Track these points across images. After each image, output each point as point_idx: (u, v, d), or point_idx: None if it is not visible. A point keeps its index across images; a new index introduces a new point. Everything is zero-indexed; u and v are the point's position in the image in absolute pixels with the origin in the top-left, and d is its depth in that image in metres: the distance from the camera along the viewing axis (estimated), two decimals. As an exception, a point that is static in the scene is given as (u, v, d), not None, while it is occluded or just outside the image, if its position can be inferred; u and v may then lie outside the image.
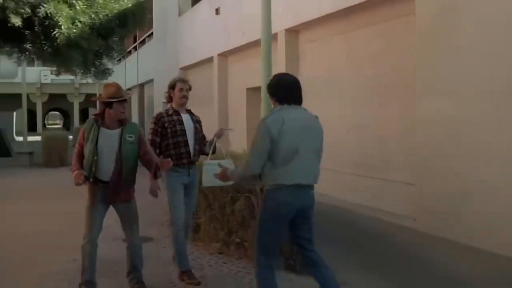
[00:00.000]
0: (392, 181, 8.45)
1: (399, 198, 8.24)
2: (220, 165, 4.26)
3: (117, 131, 4.59)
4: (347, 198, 9.40)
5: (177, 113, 5.30)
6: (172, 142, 5.14)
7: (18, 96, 34.08)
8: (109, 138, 4.56)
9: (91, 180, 4.55)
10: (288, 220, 3.79)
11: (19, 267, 5.71)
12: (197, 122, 5.43)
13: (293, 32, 11.29)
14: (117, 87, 4.66)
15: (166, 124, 5.18)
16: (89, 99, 45.58)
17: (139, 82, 27.35)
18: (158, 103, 22.64)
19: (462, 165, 6.67)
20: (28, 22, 8.90)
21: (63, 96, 48.70)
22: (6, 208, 9.52)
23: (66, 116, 57.97)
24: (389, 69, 8.58)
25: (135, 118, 29.69)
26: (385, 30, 8.71)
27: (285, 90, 3.87)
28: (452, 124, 6.86)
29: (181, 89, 5.40)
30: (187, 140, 5.19)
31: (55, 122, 75.36)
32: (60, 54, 9.29)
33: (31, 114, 46.57)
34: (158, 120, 5.22)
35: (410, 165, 7.97)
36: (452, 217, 6.79)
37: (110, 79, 26.52)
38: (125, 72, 29.58)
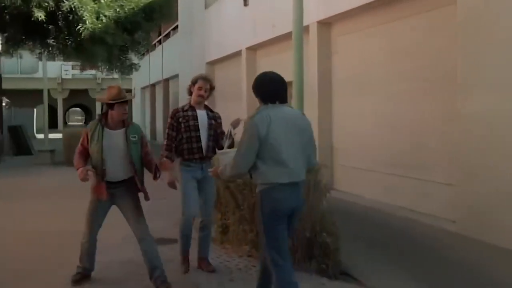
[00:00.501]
0: (431, 181, 8.43)
1: (438, 199, 8.21)
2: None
3: (120, 132, 5.03)
4: (382, 199, 9.40)
5: (192, 109, 5.74)
6: (185, 136, 5.59)
7: (38, 92, 34.70)
8: (113, 139, 4.99)
9: (104, 180, 4.97)
10: (285, 218, 3.94)
11: (47, 268, 5.90)
12: (213, 118, 5.83)
13: (325, 25, 11.32)
14: (119, 89, 5.09)
15: (180, 119, 5.64)
16: (111, 95, 46.20)
17: (164, 77, 27.64)
18: (183, 99, 22.85)
19: (505, 164, 6.63)
20: (51, 16, 9.10)
21: (84, 91, 49.38)
22: (28, 207, 9.78)
23: (88, 112, 58.77)
24: (427, 62, 8.56)
25: (159, 115, 29.99)
26: (423, 22, 8.69)
27: (269, 89, 4.07)
28: (496, 121, 6.82)
29: (200, 88, 5.80)
30: (199, 136, 5.60)
31: (76, 118, 76.47)
32: (84, 49, 9.47)
33: (52, 110, 47.35)
34: (174, 115, 5.71)
35: (450, 165, 7.94)
36: (494, 219, 6.75)
37: (135, 75, 26.79)
38: (149, 67, 29.91)
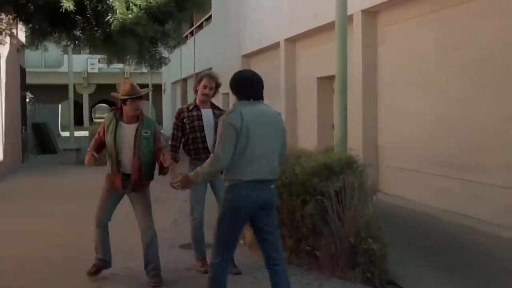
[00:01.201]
0: (487, 184, 8.32)
1: (493, 203, 8.10)
2: None
3: (133, 126, 5.53)
4: (433, 203, 9.32)
5: (197, 108, 6.05)
6: (191, 137, 5.95)
7: (63, 87, 35.31)
8: (126, 132, 5.52)
9: (119, 170, 5.50)
10: (248, 216, 4.33)
11: (73, 271, 6.05)
12: (220, 117, 5.67)
13: (371, 14, 11.27)
14: (132, 85, 5.61)
15: (185, 120, 6.00)
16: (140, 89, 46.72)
17: (196, 71, 27.83)
18: (218, 95, 23.00)
19: None
20: (79, 6, 9.27)
21: (111, 86, 49.80)
22: (53, 208, 10.02)
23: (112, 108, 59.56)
24: (484, 54, 8.45)
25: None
26: (481, 9, 8.58)
27: (244, 86, 4.44)
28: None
29: (205, 86, 6.08)
30: (204, 136, 5.93)
31: (103, 115, 77.56)
32: (113, 41, 9.59)
33: (77, 106, 48.16)
34: (179, 115, 6.06)
35: (508, 166, 7.83)
36: (558, 227, 6.64)
37: (165, 69, 27.00)
38: (181, 60, 30.18)
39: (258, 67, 18.96)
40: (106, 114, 5.65)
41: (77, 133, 24.86)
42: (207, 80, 6.11)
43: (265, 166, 4.27)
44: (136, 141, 5.49)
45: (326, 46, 12.69)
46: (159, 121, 44.01)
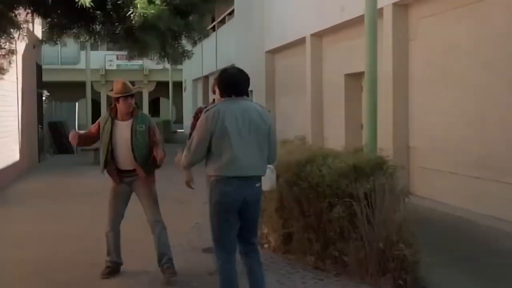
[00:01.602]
0: (526, 188, 8.24)
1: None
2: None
3: (128, 123, 5.94)
4: (468, 207, 9.25)
5: None
6: None
7: (80, 85, 35.75)
8: (121, 130, 5.94)
9: (116, 167, 5.95)
10: (235, 212, 4.54)
11: (97, 275, 6.11)
12: None
13: (402, 7, 11.21)
14: (123, 83, 6.03)
15: None
16: (160, 87, 46.92)
17: (218, 68, 27.92)
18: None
19: None
20: (99, 0, 9.35)
21: (130, 84, 50.43)
22: (70, 209, 10.12)
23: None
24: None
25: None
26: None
27: (227, 83, 4.71)
28: None
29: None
30: None
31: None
32: (133, 37, 9.62)
33: (95, 105, 48.52)
34: (196, 115, 6.39)
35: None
36: None
37: (186, 65, 27.01)
38: (202, 57, 30.29)
39: (282, 63, 18.98)
40: (103, 115, 6.21)
41: (95, 133, 25.16)
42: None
43: (248, 163, 4.50)
44: (132, 136, 5.91)
45: (354, 41, 12.65)
46: (179, 119, 44.14)
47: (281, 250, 6.77)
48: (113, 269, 6.17)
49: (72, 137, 5.99)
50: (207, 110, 4.61)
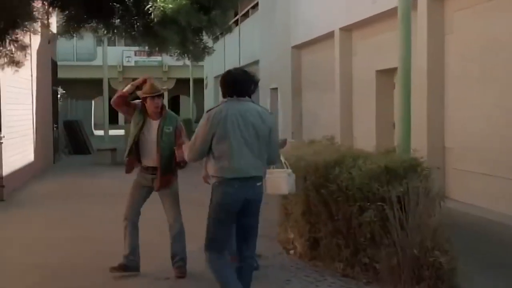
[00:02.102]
0: None
1: None
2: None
3: (156, 122, 6.32)
4: (508, 212, 9.16)
5: None
6: None
7: (97, 82, 35.97)
8: (150, 128, 6.33)
9: (140, 162, 6.37)
10: (235, 214, 4.89)
11: (114, 280, 6.16)
12: None
13: (438, -2, 11.15)
14: (151, 84, 6.44)
15: None
16: (180, 84, 47.12)
17: (241, 64, 27.94)
18: (265, 90, 23.05)
19: None
20: (118, -7, 9.44)
21: (149, 81, 50.73)
22: (90, 212, 10.21)
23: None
24: None
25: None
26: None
27: (229, 84, 5.03)
28: None
29: None
30: None
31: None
32: (153, 32, 9.66)
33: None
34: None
35: None
36: None
37: (207, 62, 27.05)
38: (224, 52, 30.38)
39: (309, 59, 18.95)
40: (138, 104, 6.53)
41: (112, 132, 25.25)
42: None
43: (248, 164, 4.85)
44: (158, 137, 6.29)
45: (386, 35, 12.60)
46: (201, 118, 44.30)
47: (307, 256, 6.77)
48: (125, 266, 6.36)
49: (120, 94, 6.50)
50: (209, 110, 4.98)
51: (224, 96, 5.05)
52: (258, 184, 4.95)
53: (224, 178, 4.83)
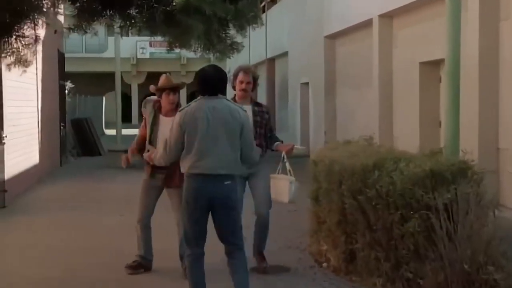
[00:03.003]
0: None
1: None
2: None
3: (171, 119, 6.29)
4: None
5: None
6: None
7: (108, 76, 36.06)
8: (164, 125, 6.67)
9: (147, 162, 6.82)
10: (202, 209, 5.51)
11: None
12: (260, 114, 7.20)
13: (490, -19, 11.04)
14: (167, 78, 7.01)
15: None
16: (199, 79, 47.26)
17: (268, 57, 27.98)
18: (295, 85, 23.04)
19: None
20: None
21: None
22: (101, 221, 10.26)
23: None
24: None
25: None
26: None
27: (201, 82, 5.66)
28: None
29: (241, 82, 7.18)
30: None
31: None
32: (175, 22, 9.64)
33: (125, 99, 49.07)
34: None
35: None
36: None
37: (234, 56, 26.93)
38: (249, 44, 30.39)
39: (344, 50, 18.90)
40: (148, 104, 7.17)
41: (125, 131, 25.34)
42: (243, 75, 7.18)
43: (215, 161, 5.45)
44: None
45: (432, 23, 12.52)
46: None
47: (343, 270, 6.75)
48: (140, 264, 7.12)
49: (123, 162, 7.23)
50: (182, 109, 5.65)
51: (200, 94, 5.66)
52: (227, 182, 5.50)
53: (190, 174, 5.51)
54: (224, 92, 5.71)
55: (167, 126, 6.31)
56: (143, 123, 7.23)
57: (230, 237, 5.61)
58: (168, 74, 7.12)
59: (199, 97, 5.64)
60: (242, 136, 5.57)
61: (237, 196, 5.76)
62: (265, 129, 7.23)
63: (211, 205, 5.49)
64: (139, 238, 7.17)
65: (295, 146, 7.26)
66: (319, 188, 7.43)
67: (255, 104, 7.37)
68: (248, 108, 6.89)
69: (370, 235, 6.21)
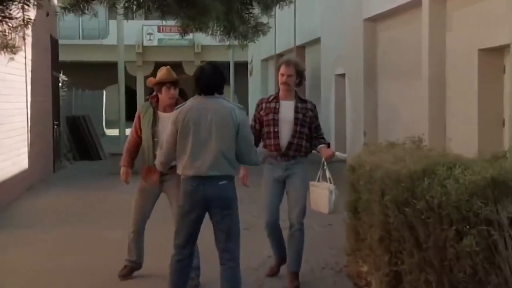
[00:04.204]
0: None
1: None
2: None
3: (170, 115, 6.70)
4: None
5: (277, 100, 7.82)
6: (266, 131, 7.76)
7: (109, 66, 36.25)
8: (164, 123, 7.08)
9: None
10: (198, 212, 6.29)
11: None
12: (302, 111, 7.73)
13: None
14: (168, 70, 7.48)
15: (262, 112, 7.82)
16: (216, 70, 47.32)
17: (298, 44, 27.98)
18: (328, 77, 23.02)
19: None
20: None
21: (177, 66, 50.82)
22: (100, 236, 10.31)
23: (182, 96, 60.58)
24: None
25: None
26: None
27: (198, 80, 6.37)
28: None
29: (282, 75, 7.70)
30: (277, 131, 7.68)
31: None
32: (189, 1, 9.63)
33: (129, 93, 49.15)
34: (258, 105, 7.94)
35: None
36: None
37: (253, 44, 26.86)
38: (275, 28, 30.41)
39: (388, 35, 18.85)
40: (142, 104, 7.89)
41: (129, 131, 25.43)
42: (285, 67, 7.67)
43: (206, 162, 6.17)
44: None
45: (495, 1, 12.44)
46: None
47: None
48: (132, 269, 7.93)
49: (123, 177, 7.90)
50: (177, 107, 6.40)
51: (196, 93, 6.38)
52: (221, 183, 6.23)
53: (185, 176, 6.27)
54: (221, 92, 6.42)
55: (167, 123, 6.71)
56: (135, 124, 7.72)
57: (224, 242, 6.33)
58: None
59: (195, 96, 6.37)
60: (239, 136, 6.26)
61: (234, 197, 6.41)
62: (309, 128, 7.76)
63: (207, 207, 6.26)
64: (131, 243, 7.89)
65: (336, 153, 7.56)
66: (358, 198, 7.43)
67: (299, 100, 7.84)
68: (290, 104, 7.70)
69: (419, 255, 6.17)
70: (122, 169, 7.96)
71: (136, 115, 7.80)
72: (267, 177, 7.77)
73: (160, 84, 7.47)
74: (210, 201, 6.23)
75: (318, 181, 7.63)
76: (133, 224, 7.88)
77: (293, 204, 7.55)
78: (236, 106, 6.41)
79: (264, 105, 7.84)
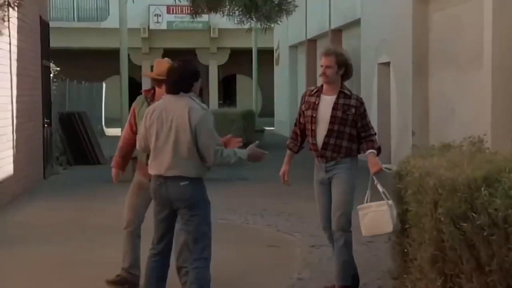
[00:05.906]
0: None
1: None
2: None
3: None
4: None
5: (319, 93, 8.14)
6: (307, 128, 8.18)
7: (110, 54, 36.34)
8: None
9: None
10: (166, 210, 7.19)
11: None
12: (344, 108, 7.98)
13: None
14: (168, 63, 7.72)
15: (303, 106, 8.19)
16: (236, 58, 47.35)
17: (333, 27, 27.96)
18: (370, 66, 22.95)
19: None
20: None
21: (189, 53, 50.87)
22: (94, 253, 10.33)
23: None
24: None
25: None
26: None
27: (166, 79, 7.28)
28: None
29: (321, 65, 8.00)
30: (314, 130, 8.06)
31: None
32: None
33: (133, 86, 49.09)
34: (302, 98, 8.34)
35: None
36: None
37: (279, 27, 27.05)
38: (306, 9, 30.39)
39: (441, 17, 18.78)
40: (137, 97, 8.33)
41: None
42: (324, 58, 7.97)
43: (165, 162, 7.05)
44: None
45: None
46: (268, 110, 44.22)
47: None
48: (125, 279, 8.23)
49: (114, 178, 8.47)
50: (151, 106, 7.35)
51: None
52: (183, 183, 7.03)
53: (151, 175, 7.21)
54: (188, 90, 7.14)
55: None
56: (130, 119, 8.27)
57: (191, 243, 7.22)
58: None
59: (165, 95, 7.29)
60: (197, 137, 7.01)
61: (200, 198, 7.15)
62: (354, 127, 8.05)
63: (173, 207, 7.15)
64: (125, 248, 8.34)
65: (383, 167, 7.87)
66: (406, 211, 7.42)
67: (343, 95, 8.07)
68: (330, 100, 8.01)
69: (481, 279, 6.14)
70: (113, 171, 8.55)
71: (132, 109, 8.32)
72: (314, 181, 8.25)
73: (160, 79, 7.88)
74: (174, 201, 7.09)
75: (366, 202, 7.74)
76: (127, 225, 8.37)
77: (334, 210, 7.89)
78: (199, 107, 7.12)
79: (306, 98, 8.20)
